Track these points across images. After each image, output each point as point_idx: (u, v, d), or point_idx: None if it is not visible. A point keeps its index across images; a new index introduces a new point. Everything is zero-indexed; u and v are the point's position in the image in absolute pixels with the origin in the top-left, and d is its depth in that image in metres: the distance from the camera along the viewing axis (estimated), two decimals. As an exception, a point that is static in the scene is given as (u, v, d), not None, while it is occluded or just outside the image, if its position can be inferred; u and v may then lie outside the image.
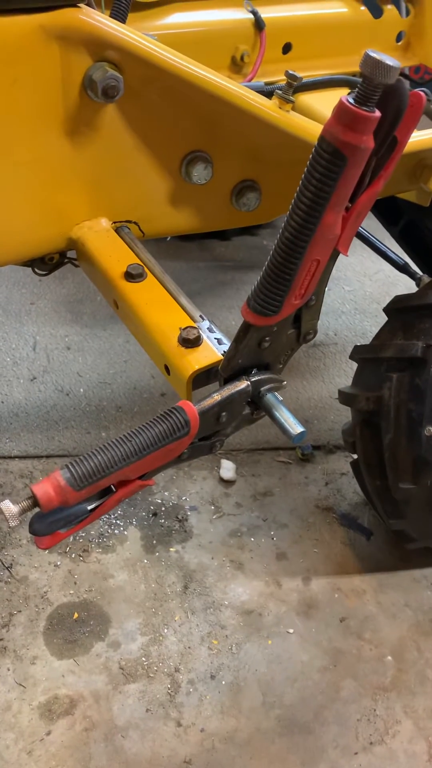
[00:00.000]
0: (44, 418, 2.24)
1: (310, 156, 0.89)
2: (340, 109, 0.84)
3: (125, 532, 1.94)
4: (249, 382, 1.11)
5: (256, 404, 1.15)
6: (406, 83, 0.90)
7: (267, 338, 1.08)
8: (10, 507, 0.93)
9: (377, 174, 0.95)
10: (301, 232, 0.93)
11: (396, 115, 0.90)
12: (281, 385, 1.14)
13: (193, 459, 1.15)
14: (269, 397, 1.12)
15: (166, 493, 2.05)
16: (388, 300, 2.89)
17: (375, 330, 2.71)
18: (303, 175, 0.90)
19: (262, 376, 1.12)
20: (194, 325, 1.19)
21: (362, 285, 2.97)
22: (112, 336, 2.57)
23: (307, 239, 0.94)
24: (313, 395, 2.41)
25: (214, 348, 1.17)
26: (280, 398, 1.12)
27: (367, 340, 2.68)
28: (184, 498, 2.04)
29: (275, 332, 1.08)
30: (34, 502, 0.94)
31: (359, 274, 3.00)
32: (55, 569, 1.84)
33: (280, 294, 1.00)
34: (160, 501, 2.03)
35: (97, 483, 0.97)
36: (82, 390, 2.35)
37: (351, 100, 0.84)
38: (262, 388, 1.13)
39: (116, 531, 1.94)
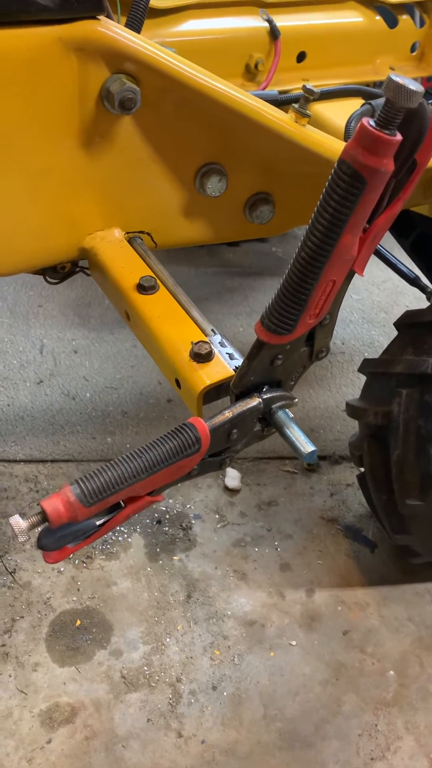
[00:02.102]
0: (50, 422, 2.23)
1: (330, 177, 0.88)
2: (362, 132, 0.84)
3: (129, 540, 1.94)
4: (261, 400, 1.11)
5: (266, 421, 1.15)
6: (429, 107, 0.90)
7: (280, 356, 1.08)
8: (20, 522, 0.93)
9: (396, 196, 0.95)
10: (318, 252, 0.93)
11: (417, 138, 0.90)
12: (293, 402, 1.13)
13: (202, 475, 1.15)
14: (280, 414, 1.12)
15: (170, 501, 2.05)
16: (396, 309, 2.90)
17: (383, 339, 2.72)
18: (321, 196, 0.90)
19: (274, 394, 1.12)
20: (206, 339, 1.18)
21: (370, 294, 2.97)
22: (119, 340, 2.56)
23: (324, 260, 0.93)
24: (319, 404, 2.41)
25: (225, 363, 1.16)
26: (291, 415, 1.12)
27: (374, 349, 2.68)
28: (188, 506, 2.04)
29: (288, 350, 1.08)
30: (44, 517, 0.94)
31: (367, 282, 3.00)
32: (58, 575, 1.84)
33: (294, 313, 0.99)
34: (164, 508, 2.03)
35: (106, 499, 0.97)
36: (88, 394, 2.35)
37: (372, 123, 0.83)
38: (273, 406, 1.12)
39: (120, 538, 1.93)
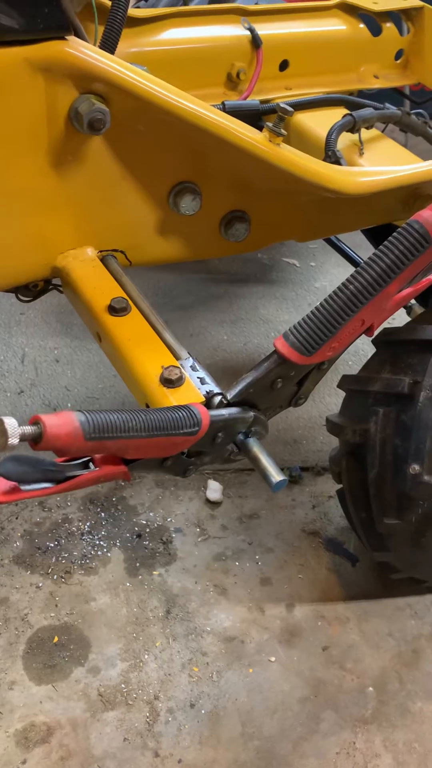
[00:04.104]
0: (30, 433, 2.21)
1: (398, 231, 1.02)
2: None
3: (108, 554, 1.92)
4: (253, 414, 1.12)
5: (237, 446, 1.14)
6: None
7: (281, 380, 1.10)
8: (14, 425, 0.83)
9: (424, 276, 1.10)
10: (367, 289, 1.03)
11: None
12: (265, 434, 1.13)
13: (170, 472, 1.12)
14: (253, 441, 1.11)
15: (151, 514, 2.04)
16: (381, 317, 2.89)
17: (367, 348, 2.70)
18: (385, 244, 1.03)
19: (260, 415, 1.12)
20: (177, 364, 1.17)
21: (356, 301, 2.95)
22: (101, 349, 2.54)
23: (369, 297, 1.03)
24: (302, 414, 2.39)
25: (196, 388, 1.15)
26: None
27: (358, 358, 2.66)
28: (169, 519, 2.03)
29: (290, 377, 1.12)
30: (38, 432, 0.84)
31: (353, 289, 2.98)
32: (36, 590, 1.82)
33: (323, 337, 1.05)
34: (144, 522, 2.01)
35: (105, 441, 0.90)
36: (69, 405, 2.33)
37: None
38: (253, 428, 1.12)
39: (99, 552, 1.92)
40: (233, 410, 1.12)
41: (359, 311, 1.05)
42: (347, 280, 1.05)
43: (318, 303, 1.07)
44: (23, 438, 0.83)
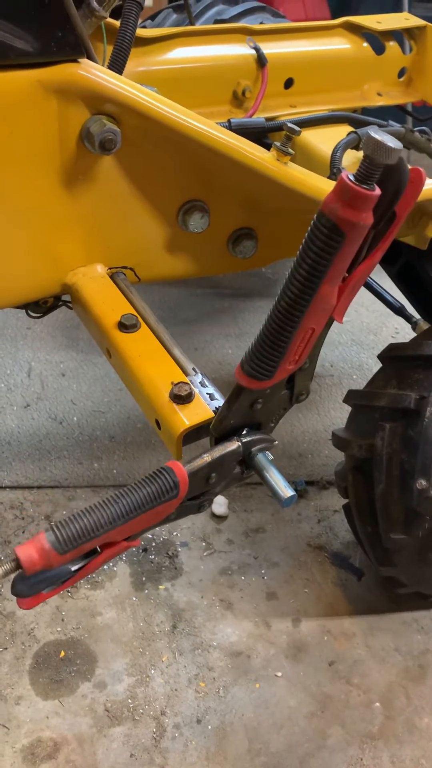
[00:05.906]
0: (36, 447, 2.22)
1: (309, 229, 0.89)
2: (341, 186, 0.84)
3: (115, 568, 1.92)
4: (240, 443, 1.11)
5: (246, 464, 1.14)
6: (406, 162, 0.90)
7: (260, 400, 1.08)
8: None
9: (375, 246, 0.96)
10: (297, 302, 0.93)
11: (396, 192, 0.90)
12: (272, 445, 1.13)
13: (180, 518, 1.14)
14: (260, 457, 1.11)
15: (157, 529, 2.03)
16: (385, 330, 2.91)
17: (371, 362, 2.72)
18: (300, 248, 0.91)
19: (254, 437, 1.12)
20: (186, 380, 1.18)
21: (359, 315, 2.97)
22: (107, 363, 2.55)
23: (303, 309, 0.94)
24: (307, 428, 2.40)
25: (206, 404, 1.16)
26: (271, 458, 1.11)
27: (363, 372, 2.68)
28: (175, 533, 2.03)
29: (268, 394, 1.08)
30: (17, 564, 0.93)
31: (356, 303, 3.00)
32: (42, 605, 1.82)
33: (274, 360, 1.00)
34: (150, 536, 2.02)
35: (81, 546, 0.96)
36: (75, 418, 2.34)
37: (351, 178, 0.84)
38: (253, 449, 1.12)
39: (105, 567, 1.92)
40: (214, 450, 1.11)
41: (300, 324, 0.96)
42: (278, 297, 0.96)
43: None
44: (6, 575, 0.92)
